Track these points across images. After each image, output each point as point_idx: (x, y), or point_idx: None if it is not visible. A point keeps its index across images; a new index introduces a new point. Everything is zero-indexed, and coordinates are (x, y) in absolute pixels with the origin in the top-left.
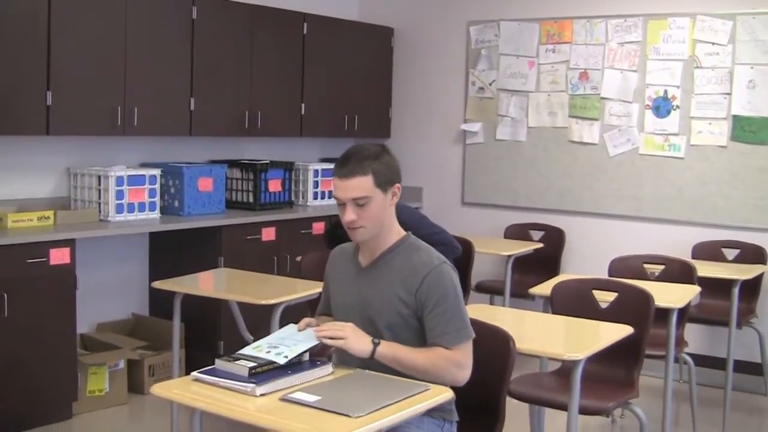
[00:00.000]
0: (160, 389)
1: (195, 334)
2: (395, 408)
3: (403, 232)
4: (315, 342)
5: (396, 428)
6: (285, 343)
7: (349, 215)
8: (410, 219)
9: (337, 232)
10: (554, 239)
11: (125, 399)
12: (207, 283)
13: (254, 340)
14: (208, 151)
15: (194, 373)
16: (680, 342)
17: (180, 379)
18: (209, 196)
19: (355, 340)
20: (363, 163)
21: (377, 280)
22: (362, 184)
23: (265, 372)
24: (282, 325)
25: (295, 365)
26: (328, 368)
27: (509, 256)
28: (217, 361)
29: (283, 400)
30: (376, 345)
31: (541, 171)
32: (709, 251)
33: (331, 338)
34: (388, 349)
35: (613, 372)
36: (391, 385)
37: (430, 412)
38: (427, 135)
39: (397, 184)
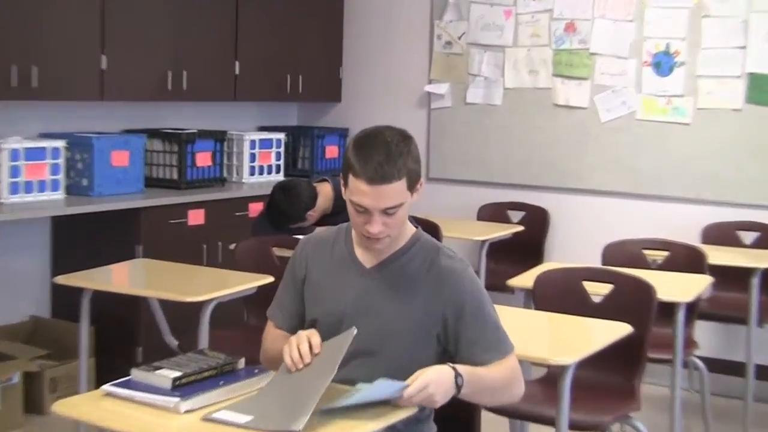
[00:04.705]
0: (64, 407)
1: (107, 339)
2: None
3: (412, 228)
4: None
5: None
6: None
7: (376, 227)
8: None
9: (283, 210)
10: (536, 221)
11: (20, 421)
12: (122, 278)
13: (178, 345)
14: (123, 119)
15: (106, 387)
16: (689, 343)
17: (89, 393)
18: (124, 172)
19: (443, 397)
20: (397, 163)
21: (390, 288)
22: (397, 190)
23: (191, 383)
24: (213, 326)
25: (228, 374)
26: (269, 377)
27: (483, 242)
28: (133, 371)
29: (206, 420)
30: (459, 387)
31: (520, 140)
32: (722, 234)
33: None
34: (469, 388)
35: (610, 379)
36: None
37: None
38: (385, 98)
39: (421, 180)
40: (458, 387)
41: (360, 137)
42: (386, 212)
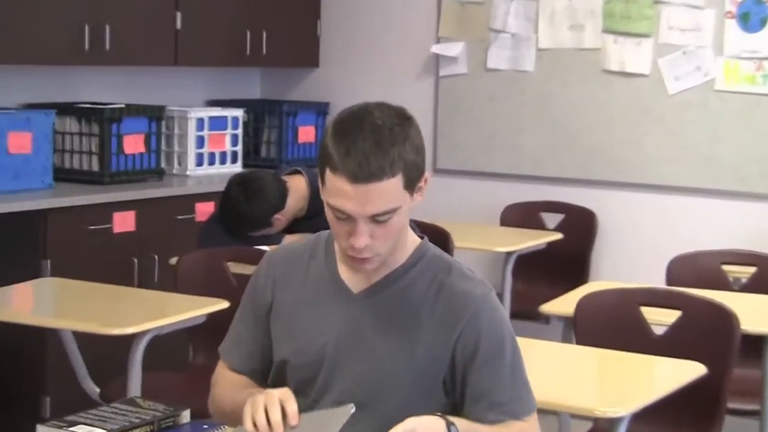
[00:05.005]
0: None
1: (4, 386)
2: None
3: (416, 239)
4: None
5: None
6: None
7: (361, 239)
8: None
9: (242, 212)
10: (580, 227)
11: None
12: (23, 303)
13: (101, 393)
14: (24, 90)
15: None
16: None
17: None
18: (25, 161)
19: None
20: (390, 154)
21: (385, 320)
22: (390, 191)
23: None
24: (147, 368)
25: (167, 431)
26: None
27: (508, 254)
28: (39, 428)
29: None
30: None
31: (558, 119)
32: None
33: None
34: None
35: None
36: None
37: None
38: (377, 63)
39: (426, 174)
40: None
41: (342, 118)
42: (375, 220)
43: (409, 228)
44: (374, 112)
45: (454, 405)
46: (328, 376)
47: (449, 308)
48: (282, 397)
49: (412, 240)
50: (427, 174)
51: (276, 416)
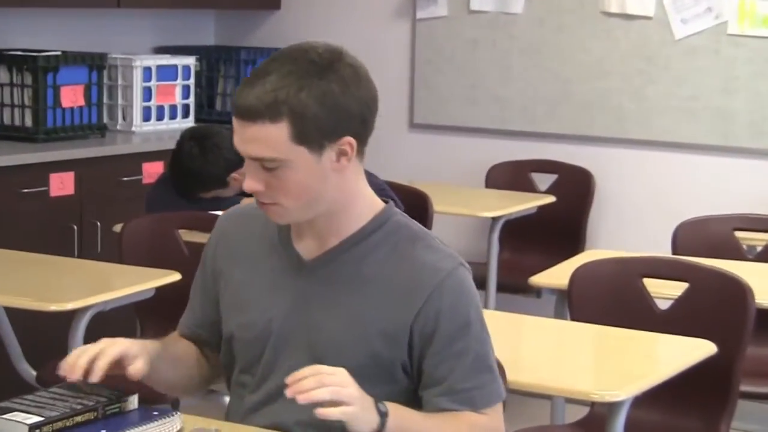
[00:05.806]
0: None
1: None
2: None
3: (380, 204)
4: None
5: None
6: None
7: (248, 181)
8: None
9: (195, 170)
10: (575, 189)
11: None
12: None
13: (37, 377)
14: None
15: None
16: None
17: None
18: None
19: (363, 411)
20: (269, 97)
21: (339, 293)
22: (266, 138)
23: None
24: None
25: (113, 418)
26: (175, 423)
27: (495, 220)
28: None
29: None
30: (383, 416)
31: (551, 68)
32: None
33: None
34: (397, 422)
35: (683, 422)
36: None
37: None
38: (346, 4)
39: (347, 138)
40: (381, 413)
41: (279, 51)
42: (264, 167)
43: (367, 190)
44: (310, 51)
45: (415, 391)
46: (274, 354)
47: (409, 282)
48: (105, 344)
49: (372, 204)
50: (352, 141)
51: (80, 360)
